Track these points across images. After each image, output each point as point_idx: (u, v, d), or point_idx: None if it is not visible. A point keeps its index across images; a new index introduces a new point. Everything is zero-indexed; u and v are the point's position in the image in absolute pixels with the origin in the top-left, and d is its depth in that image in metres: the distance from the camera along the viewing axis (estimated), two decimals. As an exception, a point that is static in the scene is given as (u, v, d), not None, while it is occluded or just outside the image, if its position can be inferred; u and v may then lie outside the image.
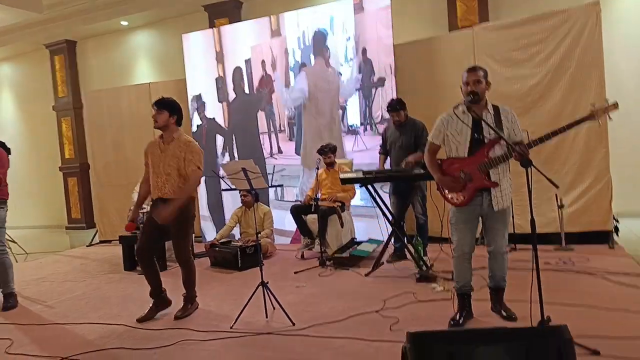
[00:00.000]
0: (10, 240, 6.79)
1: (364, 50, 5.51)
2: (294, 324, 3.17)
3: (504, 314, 2.99)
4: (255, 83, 6.22)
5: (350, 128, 5.72)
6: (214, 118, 6.51)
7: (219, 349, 2.92)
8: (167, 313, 3.62)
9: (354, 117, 5.68)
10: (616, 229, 4.51)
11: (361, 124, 5.63)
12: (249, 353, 2.82)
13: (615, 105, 2.57)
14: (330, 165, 5.10)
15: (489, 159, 2.89)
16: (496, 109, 2.97)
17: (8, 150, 6.74)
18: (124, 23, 8.27)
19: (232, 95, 6.38)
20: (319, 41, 5.80)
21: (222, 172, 3.57)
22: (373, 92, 5.50)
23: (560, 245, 4.44)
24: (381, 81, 5.46)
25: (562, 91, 4.58)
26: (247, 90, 6.29)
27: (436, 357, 1.97)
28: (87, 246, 7.10)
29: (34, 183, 9.81)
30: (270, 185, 3.49)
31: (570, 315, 2.94)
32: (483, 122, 2.88)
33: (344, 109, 5.73)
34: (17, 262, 6.30)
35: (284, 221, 5.79)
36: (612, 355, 2.34)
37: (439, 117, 3.07)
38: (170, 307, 3.66)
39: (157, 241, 3.69)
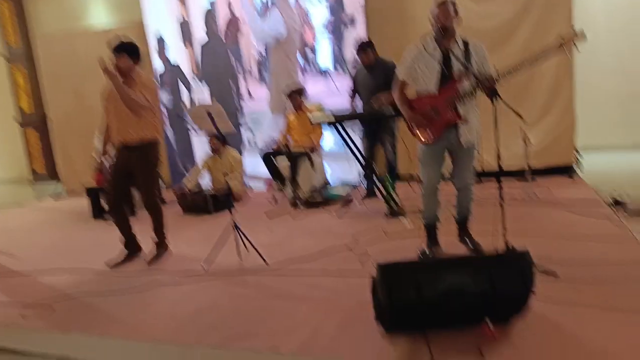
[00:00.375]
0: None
1: None
2: (267, 264, 3.21)
3: (470, 243, 3.09)
4: (222, 25, 5.93)
5: (321, 71, 5.56)
6: (178, 66, 6.25)
7: (193, 290, 2.94)
8: (139, 257, 3.61)
9: (325, 59, 5.52)
10: (578, 163, 4.66)
11: (333, 66, 5.49)
12: (224, 292, 2.85)
13: (582, 35, 2.55)
14: (298, 108, 5.01)
15: (457, 94, 2.88)
16: (465, 43, 2.92)
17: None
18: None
19: (199, 39, 6.09)
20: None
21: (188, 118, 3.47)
22: (344, 32, 5.32)
23: (525, 178, 4.57)
24: (352, 21, 5.28)
25: (530, 27, 4.56)
26: (214, 32, 6.01)
27: (404, 286, 2.04)
28: (52, 198, 6.91)
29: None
30: (237, 127, 3.40)
31: (533, 244, 3.00)
32: (452, 57, 2.84)
33: (313, 50, 5.55)
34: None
35: (257, 166, 5.72)
36: (569, 278, 2.47)
37: (406, 52, 3.01)
38: (142, 253, 3.64)
39: (126, 190, 3.63)
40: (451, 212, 3.27)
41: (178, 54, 6.26)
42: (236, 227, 3.37)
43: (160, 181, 5.47)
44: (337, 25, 5.35)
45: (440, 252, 3.09)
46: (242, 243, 3.40)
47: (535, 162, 4.61)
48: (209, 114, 3.18)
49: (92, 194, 5.14)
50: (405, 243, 3.32)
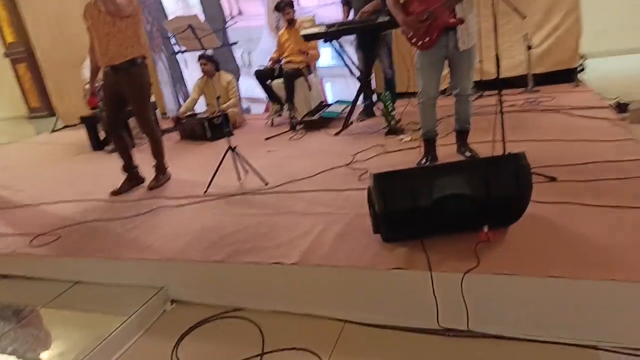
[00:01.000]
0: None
1: None
2: (267, 184, 3.23)
3: (468, 154, 3.07)
4: None
5: None
6: None
7: (196, 212, 2.99)
8: (141, 187, 3.64)
9: None
10: (583, 68, 4.50)
11: None
12: (225, 211, 2.90)
13: None
14: (290, 23, 4.77)
15: (454, -6, 2.71)
16: None
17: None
18: None
19: None
20: None
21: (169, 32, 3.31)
22: None
23: (527, 87, 4.45)
24: None
25: None
26: None
27: (399, 193, 2.04)
28: (51, 132, 6.87)
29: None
30: (225, 44, 3.25)
31: (532, 148, 3.00)
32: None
33: None
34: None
35: (255, 89, 5.52)
36: (568, 179, 2.47)
37: None
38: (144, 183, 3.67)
39: (121, 111, 3.57)
40: (451, 125, 3.22)
41: None
42: (233, 150, 3.35)
43: (156, 110, 5.40)
44: None
45: (438, 164, 3.08)
46: (241, 166, 3.39)
47: (538, 68, 4.46)
48: (190, 27, 3.02)
49: (89, 123, 5.09)
50: (404, 159, 3.30)
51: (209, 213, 2.92)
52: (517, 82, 4.51)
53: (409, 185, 2.06)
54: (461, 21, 2.78)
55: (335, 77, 5.19)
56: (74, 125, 6.65)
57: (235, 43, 3.35)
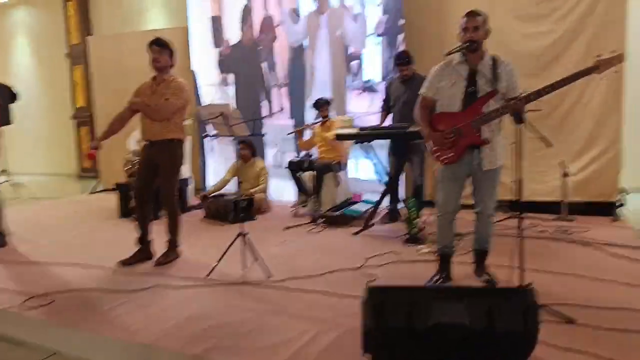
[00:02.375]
0: (17, 184, 6.94)
1: None
2: (270, 276, 3.11)
3: (485, 278, 2.87)
4: (256, 27, 5.76)
5: (365, 84, 5.14)
6: (194, 72, 6.29)
7: (190, 296, 2.90)
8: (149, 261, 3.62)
9: (372, 70, 5.04)
10: (622, 203, 4.27)
11: (383, 78, 4.99)
12: (219, 300, 2.79)
13: (620, 58, 2.33)
14: (324, 119, 4.89)
15: (482, 114, 2.70)
16: (494, 60, 2.75)
17: (14, 96, 6.75)
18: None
19: (231, 39, 5.93)
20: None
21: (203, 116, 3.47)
22: (399, 39, 4.84)
23: (561, 214, 4.24)
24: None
25: (580, 50, 4.26)
26: (250, 36, 5.82)
27: (393, 312, 1.88)
28: (90, 193, 7.17)
29: (48, 131, 9.91)
30: (252, 133, 3.36)
31: (554, 282, 2.81)
32: (479, 75, 2.68)
33: (359, 58, 5.15)
34: (24, 205, 6.42)
35: (283, 191, 5.55)
36: (586, 324, 2.21)
37: (432, 69, 2.88)
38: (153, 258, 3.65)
39: (151, 182, 3.64)
40: (470, 241, 3.06)
41: (205, 58, 6.19)
42: (244, 236, 3.30)
43: (188, 186, 5.56)
44: (392, 29, 4.81)
45: (450, 284, 2.88)
46: (250, 254, 3.32)
47: (575, 196, 4.28)
48: (222, 114, 3.15)
49: (122, 190, 5.27)
50: (418, 271, 3.13)
51: (203, 299, 2.81)
52: (553, 208, 4.33)
53: (405, 304, 1.90)
54: (486, 141, 2.74)
55: (362, 175, 5.19)
56: (111, 190, 6.92)
57: (264, 134, 3.46)
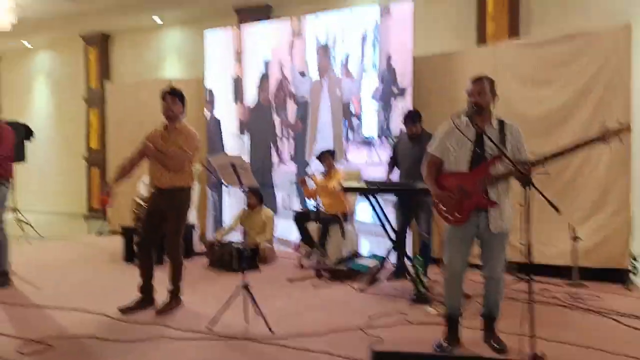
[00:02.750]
0: (24, 222, 6.96)
1: (389, 58, 5.30)
2: (272, 333, 3.04)
3: (494, 345, 2.78)
4: (272, 87, 6.14)
5: (365, 139, 5.52)
6: (219, 120, 6.52)
7: (190, 348, 2.84)
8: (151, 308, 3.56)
9: (370, 128, 5.50)
10: (634, 269, 4.19)
11: (378, 136, 5.43)
12: (218, 356, 2.71)
13: (628, 128, 2.36)
14: (329, 170, 4.92)
15: (489, 176, 2.72)
16: (501, 123, 2.81)
17: (30, 133, 6.89)
18: (158, 21, 8.42)
19: (250, 99, 6.33)
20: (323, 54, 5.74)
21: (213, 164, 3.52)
22: (392, 103, 5.31)
23: (572, 280, 4.15)
24: (402, 92, 5.24)
25: (585, 115, 4.32)
26: (266, 97, 6.24)
27: (398, 382, 1.81)
28: (96, 235, 7.17)
29: (60, 170, 10.06)
30: (264, 185, 3.39)
31: (565, 353, 2.72)
32: (485, 137, 2.72)
33: (359, 118, 5.55)
34: (29, 244, 6.42)
35: (290, 232, 5.63)
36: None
37: (439, 127, 2.93)
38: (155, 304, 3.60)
39: (157, 231, 3.64)
40: (479, 305, 2.99)
41: (226, 110, 6.50)
42: (247, 289, 3.26)
43: (193, 231, 5.54)
44: (386, 94, 5.34)
45: (458, 349, 2.79)
46: (251, 306, 3.26)
47: (585, 262, 4.20)
48: (232, 165, 3.20)
49: (127, 234, 5.26)
50: (425, 334, 3.04)
51: (203, 353, 2.76)
52: (562, 272, 4.25)
53: (411, 373, 1.83)
54: (493, 204, 2.73)
55: (369, 229, 5.19)
56: (117, 233, 6.92)
57: (272, 186, 3.49)
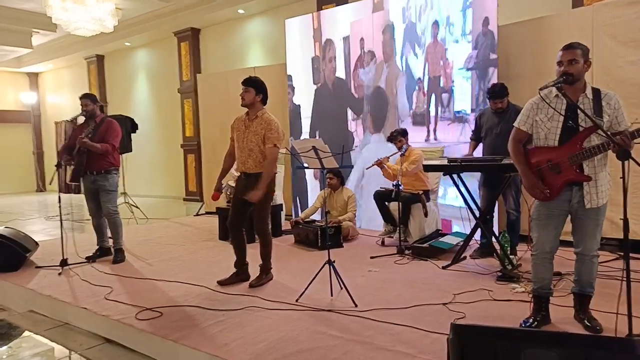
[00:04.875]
0: (133, 206, 7.77)
1: (486, 20, 4.91)
2: (356, 305, 3.17)
3: (587, 323, 2.66)
4: (352, 63, 6.07)
5: (456, 115, 5.23)
6: (299, 105, 6.66)
7: (280, 318, 3.04)
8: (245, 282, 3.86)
9: (462, 101, 5.16)
10: None
11: (472, 110, 5.08)
12: (306, 326, 2.89)
13: None
14: (400, 149, 4.84)
15: (582, 150, 2.57)
16: (597, 92, 2.62)
17: (135, 126, 7.60)
18: (241, 11, 8.79)
19: (327, 77, 6.34)
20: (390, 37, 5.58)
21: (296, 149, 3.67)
22: (490, 72, 4.93)
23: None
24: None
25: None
26: (342, 71, 6.19)
27: (479, 354, 1.84)
28: (194, 216, 7.80)
29: (160, 158, 11.02)
30: (341, 165, 3.48)
31: None
32: (579, 108, 2.56)
33: (450, 91, 5.26)
34: (137, 224, 7.19)
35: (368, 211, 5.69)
36: None
37: (528, 102, 2.81)
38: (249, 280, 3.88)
39: (244, 213, 3.88)
40: (571, 283, 2.87)
41: (307, 94, 6.60)
42: (331, 264, 3.41)
43: (282, 211, 5.83)
44: (483, 62, 4.96)
45: (547, 327, 2.71)
46: (337, 281, 3.41)
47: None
48: (314, 148, 3.33)
49: (221, 214, 5.68)
50: (510, 312, 2.99)
51: (291, 324, 2.94)
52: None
53: (493, 346, 1.84)
54: (588, 178, 2.59)
55: (454, 206, 5.09)
56: (213, 213, 7.46)
57: (352, 166, 3.58)
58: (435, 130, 5.42)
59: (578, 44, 2.62)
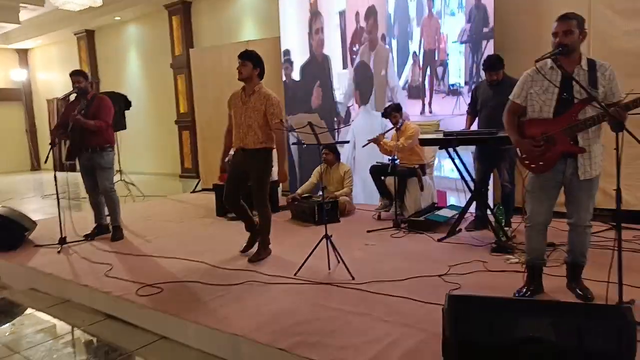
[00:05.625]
0: (129, 183, 7.76)
1: None
2: (353, 278, 3.22)
3: (579, 292, 2.73)
4: (349, 38, 6.02)
5: (451, 88, 5.24)
6: (296, 81, 6.61)
7: (279, 292, 3.09)
8: (244, 257, 3.90)
9: (456, 75, 5.17)
10: None
11: (465, 82, 5.09)
12: (305, 299, 2.94)
13: None
14: (395, 125, 4.84)
15: (577, 121, 2.58)
16: (592, 64, 2.61)
17: (128, 104, 7.52)
18: (233, -17, 8.59)
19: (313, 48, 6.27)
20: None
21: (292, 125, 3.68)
22: (484, 45, 4.93)
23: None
24: (492, 33, 4.87)
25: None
26: (339, 45, 6.12)
27: (474, 323, 1.89)
28: (190, 192, 7.81)
29: (155, 135, 10.94)
30: (337, 141, 3.49)
31: None
32: (574, 80, 2.56)
33: (444, 65, 5.25)
34: (134, 202, 7.20)
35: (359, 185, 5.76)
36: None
37: (523, 74, 2.80)
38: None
39: (241, 188, 3.89)
40: (563, 253, 2.93)
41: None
42: (328, 238, 3.45)
43: (279, 187, 5.85)
44: (476, 35, 4.95)
45: (540, 296, 2.78)
46: (334, 255, 3.46)
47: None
48: (310, 124, 3.32)
49: (218, 191, 5.69)
50: (505, 282, 3.06)
51: (291, 296, 3.00)
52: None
53: (487, 315, 1.90)
54: (582, 150, 2.61)
55: (448, 179, 5.13)
56: (209, 190, 7.48)
57: (347, 142, 3.59)
58: (430, 104, 5.42)
59: (573, 15, 2.60)
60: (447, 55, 5.24)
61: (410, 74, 5.56)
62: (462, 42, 5.11)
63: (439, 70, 5.33)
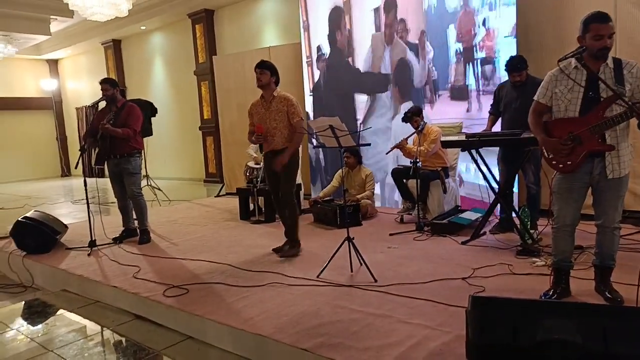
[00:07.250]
0: (156, 188, 7.93)
1: None
2: (376, 281, 3.23)
3: (608, 295, 2.67)
4: (382, 35, 5.92)
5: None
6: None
7: (302, 294, 3.12)
8: (267, 259, 3.96)
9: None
10: None
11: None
12: (327, 301, 2.96)
13: None
14: (417, 129, 4.79)
15: (604, 120, 2.53)
16: (618, 62, 2.57)
17: (155, 110, 7.69)
18: (255, -10, 8.72)
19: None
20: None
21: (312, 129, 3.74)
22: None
23: None
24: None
25: None
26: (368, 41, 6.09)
27: (498, 324, 1.88)
28: (215, 197, 7.93)
29: (179, 141, 11.15)
30: (358, 144, 3.51)
31: None
32: (600, 79, 2.52)
33: (492, 62, 4.98)
34: (160, 206, 7.35)
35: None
36: None
37: (547, 74, 2.76)
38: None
39: (279, 186, 4.06)
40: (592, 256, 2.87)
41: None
42: (350, 241, 3.46)
43: (300, 190, 5.90)
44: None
45: (567, 299, 2.72)
46: (356, 258, 3.47)
47: None
48: (331, 127, 3.35)
49: (242, 194, 5.78)
50: (531, 285, 3.01)
51: (313, 298, 3.01)
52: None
53: (511, 317, 1.88)
54: (611, 148, 2.56)
55: (472, 182, 5.04)
56: (233, 194, 7.58)
57: (369, 144, 3.61)
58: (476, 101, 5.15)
59: (609, 16, 2.55)
60: (496, 52, 4.93)
61: (454, 73, 5.31)
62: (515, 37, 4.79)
63: (487, 68, 5.04)
